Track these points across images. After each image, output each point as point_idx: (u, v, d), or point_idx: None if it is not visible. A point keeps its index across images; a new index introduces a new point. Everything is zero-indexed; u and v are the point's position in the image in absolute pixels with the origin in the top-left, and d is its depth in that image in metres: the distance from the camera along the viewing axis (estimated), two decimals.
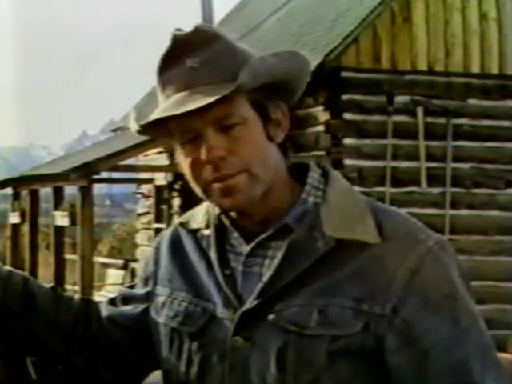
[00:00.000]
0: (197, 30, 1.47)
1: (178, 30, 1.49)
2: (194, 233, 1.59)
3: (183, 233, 1.62)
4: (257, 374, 1.44)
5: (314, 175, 1.53)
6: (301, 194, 1.51)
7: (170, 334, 1.55)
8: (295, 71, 1.50)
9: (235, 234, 1.53)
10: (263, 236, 1.49)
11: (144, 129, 1.51)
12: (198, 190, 1.49)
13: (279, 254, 1.46)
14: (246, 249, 1.51)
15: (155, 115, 1.46)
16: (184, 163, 1.49)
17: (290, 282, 1.44)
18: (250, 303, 1.46)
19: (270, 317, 1.44)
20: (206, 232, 1.56)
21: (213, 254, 1.53)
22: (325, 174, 1.54)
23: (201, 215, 1.60)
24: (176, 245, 1.62)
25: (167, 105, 1.45)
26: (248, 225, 1.51)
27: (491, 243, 9.93)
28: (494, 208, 10.03)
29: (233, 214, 1.52)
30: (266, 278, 1.46)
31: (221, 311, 1.50)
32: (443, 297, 1.42)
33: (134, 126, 1.52)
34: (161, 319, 1.58)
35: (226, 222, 1.54)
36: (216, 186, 1.45)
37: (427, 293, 1.41)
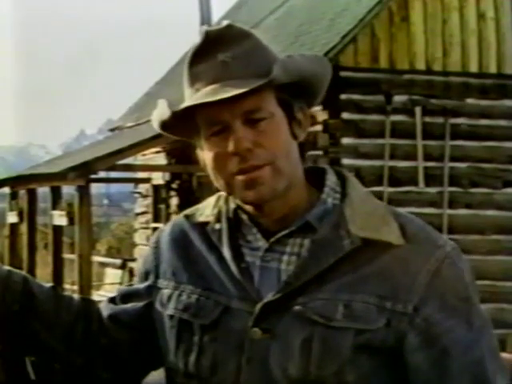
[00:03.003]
0: (229, 27, 1.50)
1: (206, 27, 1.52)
2: (201, 226, 1.60)
3: (188, 226, 1.62)
4: (277, 365, 1.45)
5: (331, 178, 1.56)
6: (318, 195, 1.54)
7: (178, 327, 1.55)
8: (320, 74, 1.54)
9: (253, 230, 1.54)
10: (285, 232, 1.51)
11: (168, 124, 1.53)
12: (220, 182, 1.51)
13: (303, 250, 1.49)
14: (263, 244, 1.52)
15: (189, 103, 1.47)
16: (208, 156, 1.51)
17: (313, 278, 1.46)
18: (271, 296, 1.47)
19: (296, 308, 1.45)
20: (217, 226, 1.57)
21: (226, 248, 1.54)
22: (341, 178, 1.57)
23: (209, 209, 1.61)
24: (179, 239, 1.62)
25: (199, 95, 1.47)
26: (265, 222, 1.53)
27: (489, 242, 9.94)
28: (492, 207, 10.05)
29: (251, 210, 1.53)
30: (290, 272, 1.48)
31: (236, 304, 1.50)
32: (459, 300, 1.47)
33: (158, 121, 1.54)
34: (168, 312, 1.57)
35: (244, 217, 1.55)
36: (240, 178, 1.47)
37: (445, 295, 1.47)
